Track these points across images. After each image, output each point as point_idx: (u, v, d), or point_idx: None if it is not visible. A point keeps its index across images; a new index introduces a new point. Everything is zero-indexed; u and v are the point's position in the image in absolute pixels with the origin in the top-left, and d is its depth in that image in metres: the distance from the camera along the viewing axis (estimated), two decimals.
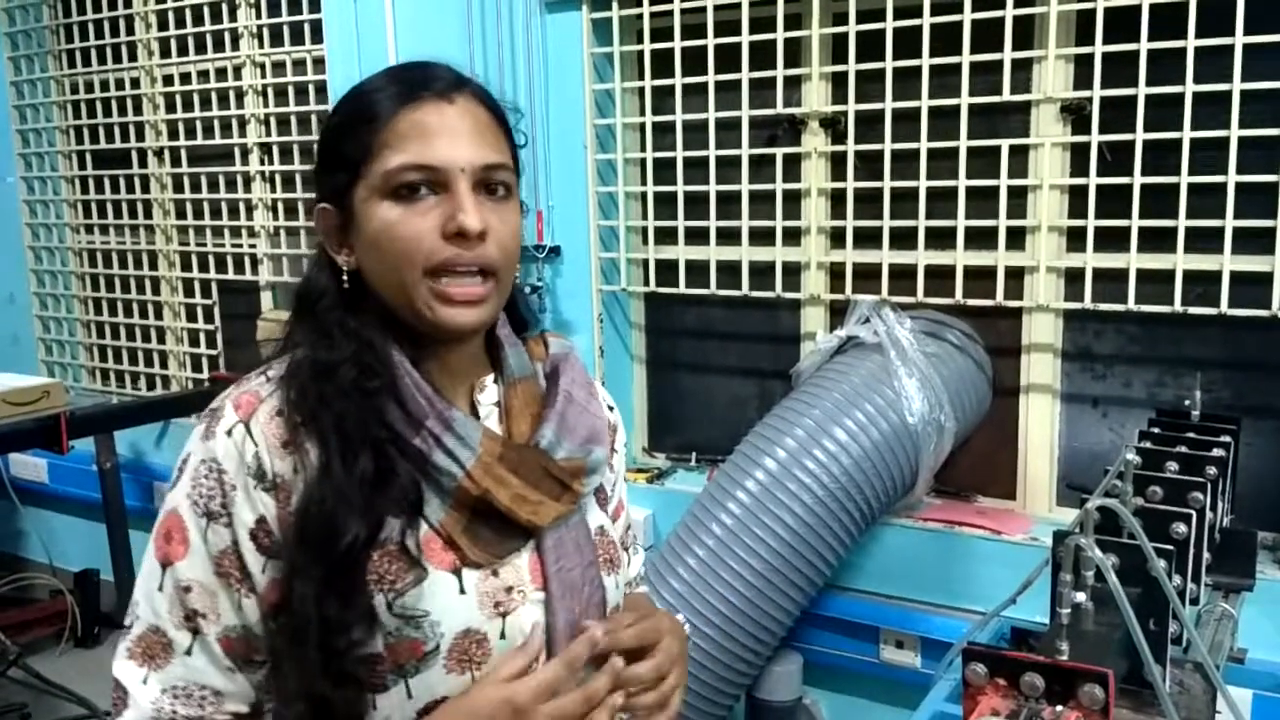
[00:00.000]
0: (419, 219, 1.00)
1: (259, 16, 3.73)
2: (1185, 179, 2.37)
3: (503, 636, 1.03)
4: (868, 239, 2.80)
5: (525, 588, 1.05)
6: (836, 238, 2.88)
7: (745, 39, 2.82)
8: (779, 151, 2.87)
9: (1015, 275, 2.66)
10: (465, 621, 1.01)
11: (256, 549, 0.99)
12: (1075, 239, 2.59)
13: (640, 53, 3.00)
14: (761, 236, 2.94)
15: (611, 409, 1.25)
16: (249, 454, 0.99)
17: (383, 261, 1.01)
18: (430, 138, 1.00)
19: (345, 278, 1.05)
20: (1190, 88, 2.33)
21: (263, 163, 3.81)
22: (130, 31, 4.06)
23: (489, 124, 1.05)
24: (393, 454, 1.00)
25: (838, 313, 2.90)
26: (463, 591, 1.02)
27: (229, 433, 1.00)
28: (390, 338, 1.04)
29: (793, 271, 2.94)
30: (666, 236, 3.10)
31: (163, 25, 3.96)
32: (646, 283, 3.17)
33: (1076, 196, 2.57)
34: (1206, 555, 1.75)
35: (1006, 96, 2.55)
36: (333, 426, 0.98)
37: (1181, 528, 1.60)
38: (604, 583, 1.12)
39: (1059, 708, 1.19)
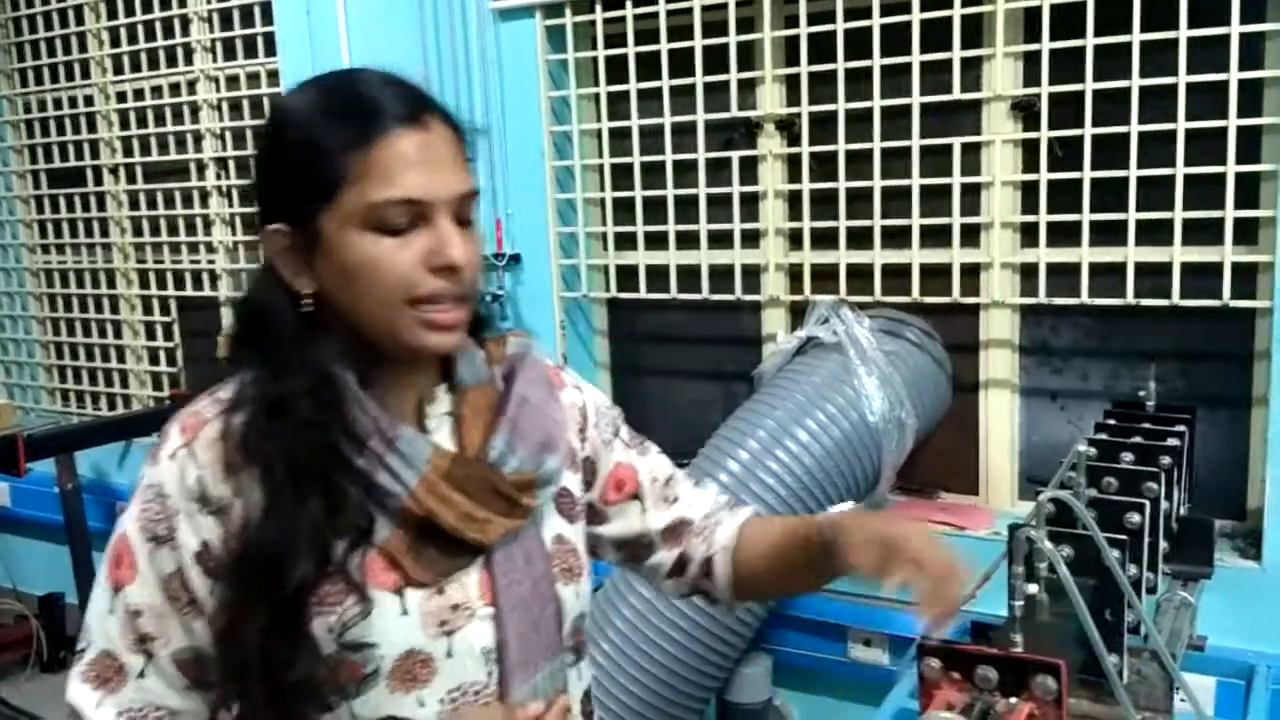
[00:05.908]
0: (402, 252, 0.97)
1: (212, 31, 3.71)
2: (1134, 172, 2.39)
3: (449, 655, 1.02)
4: (825, 239, 2.81)
5: (473, 604, 1.03)
6: (794, 239, 2.89)
7: (699, 43, 2.83)
8: (735, 155, 2.88)
9: (970, 272, 2.67)
10: (406, 643, 1.00)
11: (203, 572, 0.98)
12: (1028, 234, 2.61)
13: (595, 59, 3.00)
14: (720, 240, 2.94)
15: (579, 389, 1.25)
16: (190, 478, 0.98)
17: (361, 292, 0.98)
18: (412, 169, 0.97)
19: (306, 301, 1.01)
20: (1136, 82, 2.36)
21: (219, 177, 3.78)
22: (83, 49, 4.03)
23: (458, 148, 1.03)
24: (341, 480, 0.98)
25: (798, 313, 2.91)
26: (405, 613, 1.00)
27: (172, 456, 0.99)
28: (344, 362, 1.01)
29: (752, 274, 2.94)
30: (626, 242, 3.10)
31: (115, 42, 3.93)
32: (608, 288, 3.16)
33: (1028, 192, 2.59)
34: (1164, 544, 1.77)
35: (957, 95, 2.57)
36: (284, 466, 0.96)
37: (1135, 517, 1.62)
38: (559, 594, 1.10)
39: (1012, 699, 1.20)
